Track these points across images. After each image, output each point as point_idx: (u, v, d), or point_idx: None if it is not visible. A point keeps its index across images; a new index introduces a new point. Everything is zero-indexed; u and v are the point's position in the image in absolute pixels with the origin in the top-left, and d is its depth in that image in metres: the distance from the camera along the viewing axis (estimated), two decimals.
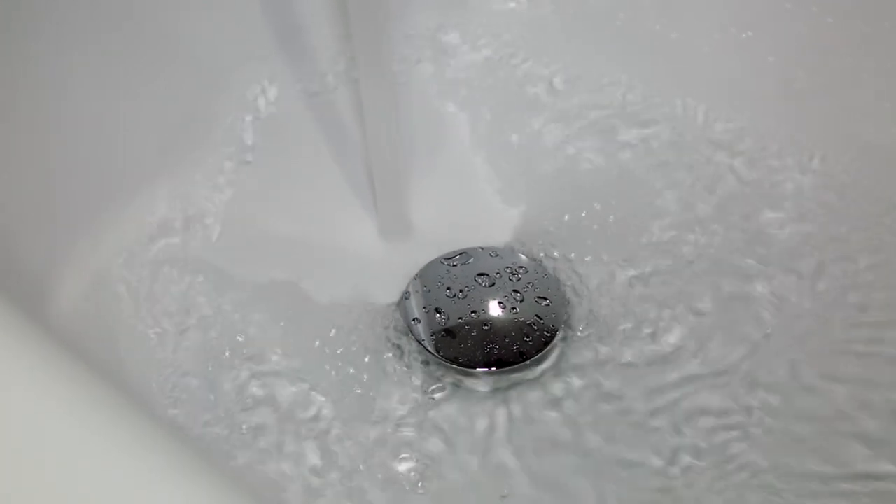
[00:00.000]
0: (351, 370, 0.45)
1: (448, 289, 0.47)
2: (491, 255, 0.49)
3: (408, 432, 0.43)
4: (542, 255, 0.49)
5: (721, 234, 0.49)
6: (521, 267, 0.48)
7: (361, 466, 0.41)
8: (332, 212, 0.51)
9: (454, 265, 0.49)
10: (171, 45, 0.48)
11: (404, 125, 0.48)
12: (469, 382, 0.45)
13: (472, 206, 0.52)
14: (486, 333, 0.46)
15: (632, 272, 0.48)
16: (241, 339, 0.45)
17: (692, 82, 0.53)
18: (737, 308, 0.46)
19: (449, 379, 0.45)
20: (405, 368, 0.45)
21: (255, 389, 0.44)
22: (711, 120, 0.52)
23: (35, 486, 0.23)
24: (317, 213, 0.51)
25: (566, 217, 0.50)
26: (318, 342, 0.46)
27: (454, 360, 0.44)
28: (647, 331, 0.46)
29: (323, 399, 0.44)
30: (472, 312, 0.46)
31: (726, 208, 0.49)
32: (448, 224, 0.51)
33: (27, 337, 0.26)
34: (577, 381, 0.44)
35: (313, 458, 0.42)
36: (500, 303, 0.47)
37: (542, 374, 0.45)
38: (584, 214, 0.50)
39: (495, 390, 0.44)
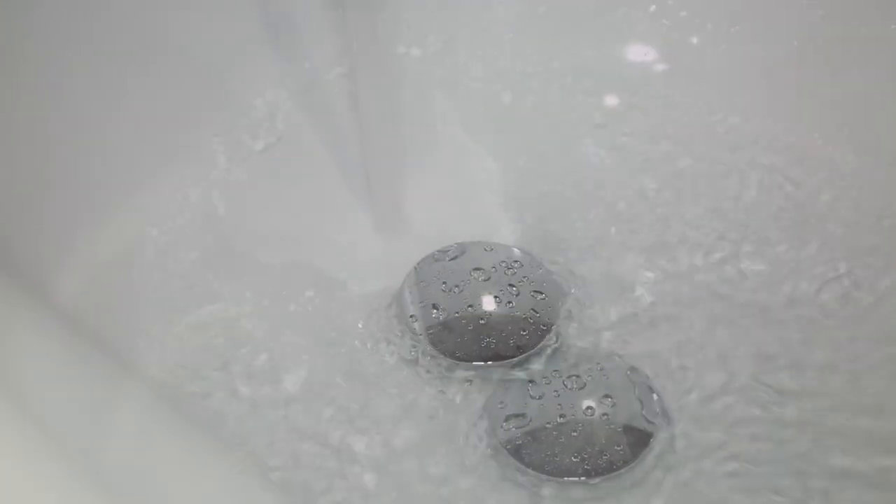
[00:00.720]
0: (348, 367, 0.45)
1: (444, 283, 0.47)
2: (486, 250, 0.49)
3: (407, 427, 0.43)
4: (538, 249, 0.49)
5: (715, 228, 0.49)
6: (516, 261, 0.48)
7: None
8: (327, 207, 0.51)
9: (449, 260, 0.49)
10: (169, 44, 0.48)
11: (400, 120, 0.48)
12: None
13: (467, 201, 0.52)
14: (482, 327, 0.46)
15: (628, 269, 0.48)
16: (237, 335, 0.45)
17: (685, 76, 0.53)
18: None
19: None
20: (402, 364, 0.45)
21: (253, 385, 0.44)
22: (705, 114, 0.53)
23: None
24: (312, 208, 0.51)
25: (562, 212, 0.50)
26: (315, 339, 0.46)
27: (451, 355, 0.45)
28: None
29: (317, 390, 0.44)
30: (469, 307, 0.46)
31: (726, 205, 0.50)
32: (443, 219, 0.51)
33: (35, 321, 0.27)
34: None
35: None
36: (495, 297, 0.47)
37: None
38: (580, 210, 0.50)
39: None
